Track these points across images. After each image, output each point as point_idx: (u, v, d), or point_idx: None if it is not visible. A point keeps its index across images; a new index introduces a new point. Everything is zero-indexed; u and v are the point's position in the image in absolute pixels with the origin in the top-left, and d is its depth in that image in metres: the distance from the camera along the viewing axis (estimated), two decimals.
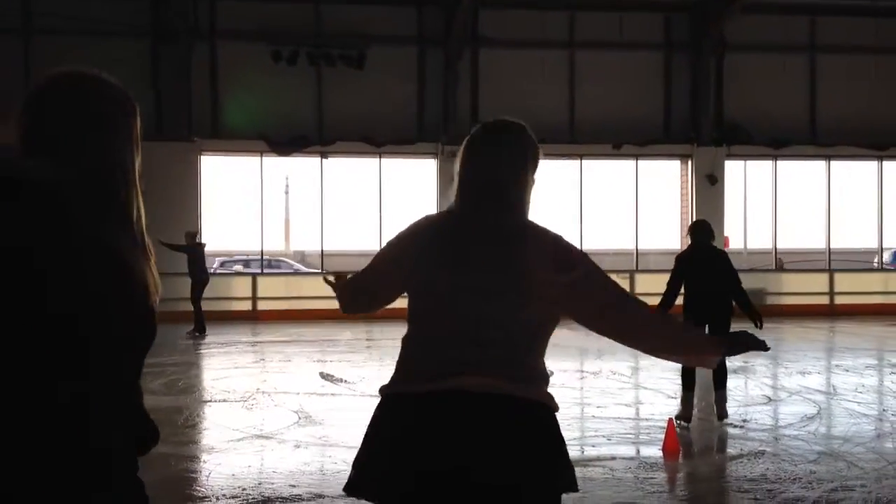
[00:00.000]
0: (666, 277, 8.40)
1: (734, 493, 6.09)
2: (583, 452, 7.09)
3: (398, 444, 2.41)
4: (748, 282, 9.34)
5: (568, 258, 2.50)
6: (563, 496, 2.48)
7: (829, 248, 22.18)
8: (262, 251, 21.48)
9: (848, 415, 8.64)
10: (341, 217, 21.44)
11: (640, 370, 11.81)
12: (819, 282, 21.08)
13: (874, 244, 22.66)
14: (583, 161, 21.25)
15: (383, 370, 12.08)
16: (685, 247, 9.12)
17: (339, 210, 21.33)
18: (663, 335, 2.62)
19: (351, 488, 2.51)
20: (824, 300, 20.71)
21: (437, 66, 20.77)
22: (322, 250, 21.19)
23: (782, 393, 9.98)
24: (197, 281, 16.14)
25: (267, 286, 20.28)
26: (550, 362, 2.71)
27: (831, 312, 19.72)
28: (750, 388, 10.37)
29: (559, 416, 2.53)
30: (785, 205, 22.16)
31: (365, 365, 12.31)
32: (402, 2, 20.74)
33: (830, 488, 5.99)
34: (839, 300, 20.88)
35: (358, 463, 2.52)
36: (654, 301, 7.52)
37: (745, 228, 22.35)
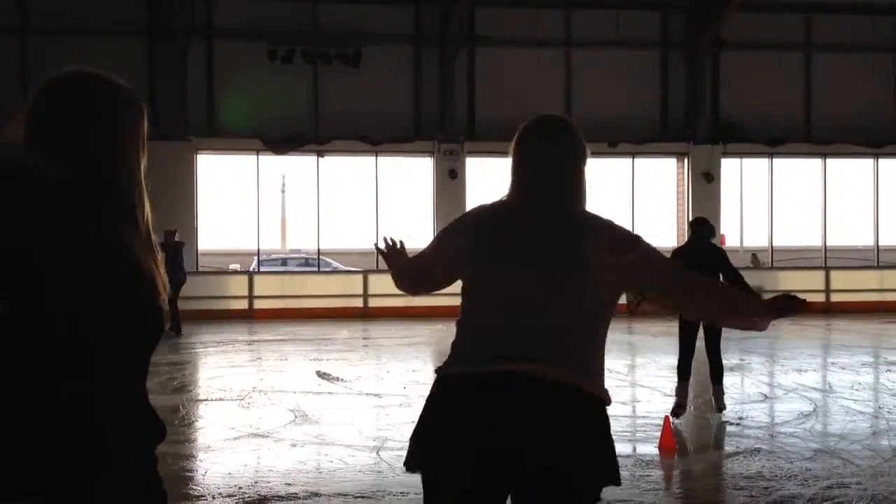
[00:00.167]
0: None
1: (730, 490, 6.10)
2: None
3: (460, 422, 2.50)
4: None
5: (624, 241, 2.63)
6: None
7: (826, 246, 22.22)
8: (258, 250, 21.47)
9: (844, 412, 8.65)
10: (338, 215, 21.43)
11: (636, 368, 11.82)
12: (815, 279, 21.09)
13: (870, 242, 22.69)
14: None
15: (380, 369, 12.10)
16: (683, 243, 9.12)
17: (335, 208, 21.32)
18: (720, 299, 2.85)
19: (410, 465, 2.62)
20: (820, 298, 20.72)
21: (433, 65, 20.77)
22: (318, 249, 21.18)
23: (778, 390, 9.99)
24: (173, 280, 15.79)
25: (263, 285, 20.25)
26: None
27: (827, 310, 19.74)
28: (746, 385, 10.38)
29: None
30: (781, 203, 22.20)
31: (361, 364, 12.27)
32: (399, 0, 20.73)
33: (826, 485, 6.00)
34: (835, 297, 20.90)
35: (417, 440, 2.61)
36: None
37: (741, 226, 22.38)
